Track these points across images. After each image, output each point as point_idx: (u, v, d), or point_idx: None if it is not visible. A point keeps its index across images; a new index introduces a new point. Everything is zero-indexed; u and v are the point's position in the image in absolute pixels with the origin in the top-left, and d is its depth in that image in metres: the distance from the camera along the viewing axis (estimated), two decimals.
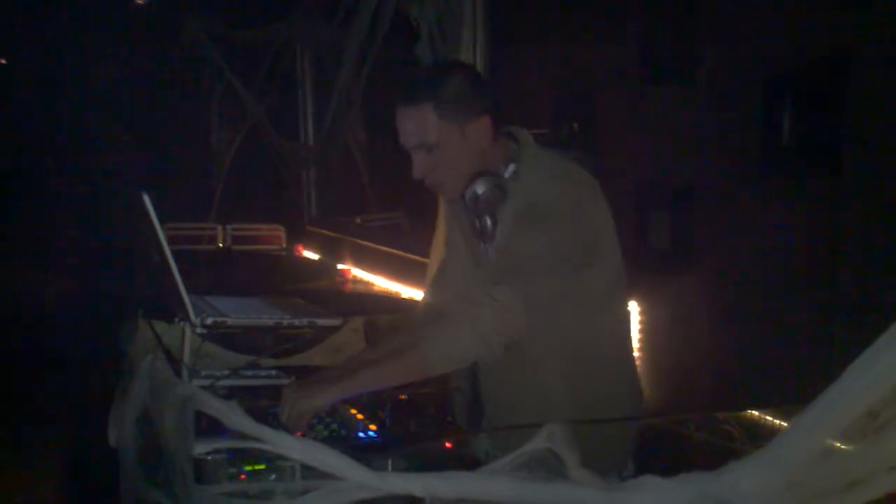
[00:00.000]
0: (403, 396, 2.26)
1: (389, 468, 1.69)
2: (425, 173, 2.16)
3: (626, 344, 2.36)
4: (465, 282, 2.37)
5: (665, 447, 2.24)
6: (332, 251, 8.28)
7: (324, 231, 8.73)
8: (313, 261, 8.90)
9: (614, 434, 2.18)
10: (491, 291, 2.02)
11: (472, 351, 2.02)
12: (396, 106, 2.13)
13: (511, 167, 2.19)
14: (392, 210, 8.32)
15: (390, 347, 2.10)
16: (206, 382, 2.14)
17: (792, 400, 1.34)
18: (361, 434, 1.92)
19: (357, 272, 7.47)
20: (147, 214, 1.97)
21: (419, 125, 2.10)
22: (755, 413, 2.12)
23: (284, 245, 9.66)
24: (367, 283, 7.22)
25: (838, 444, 1.21)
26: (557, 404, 2.16)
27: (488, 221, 2.18)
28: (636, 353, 4.32)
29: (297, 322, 2.19)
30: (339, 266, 7.81)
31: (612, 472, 2.09)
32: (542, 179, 2.15)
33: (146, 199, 1.94)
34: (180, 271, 2.05)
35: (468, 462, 1.75)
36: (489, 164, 2.17)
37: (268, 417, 1.97)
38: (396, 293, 6.51)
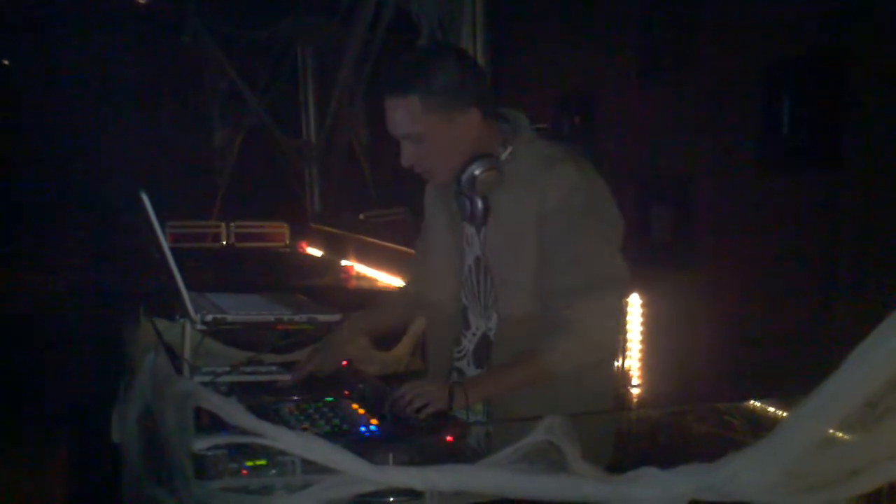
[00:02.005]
0: None
1: (390, 462, 1.69)
2: (413, 161, 2.18)
3: None
4: (446, 269, 2.41)
5: (665, 438, 2.23)
6: (336, 248, 8.29)
7: (327, 228, 8.74)
8: (317, 257, 8.91)
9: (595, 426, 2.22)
10: (586, 299, 2.08)
11: (589, 353, 2.15)
12: (384, 95, 2.12)
13: (508, 149, 2.21)
14: (395, 206, 8.31)
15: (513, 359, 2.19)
16: (207, 379, 2.14)
17: (792, 391, 1.33)
18: (363, 428, 1.92)
19: (360, 268, 7.48)
20: (146, 212, 1.97)
21: (406, 116, 2.10)
22: (756, 404, 2.11)
23: (288, 242, 9.67)
24: (370, 279, 7.22)
25: (838, 434, 1.21)
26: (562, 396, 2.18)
27: (480, 204, 2.19)
28: (639, 346, 4.34)
29: (296, 318, 2.20)
30: (343, 262, 7.82)
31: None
32: (564, 172, 2.16)
33: (144, 197, 1.94)
34: (182, 269, 2.05)
35: (469, 455, 1.74)
36: (484, 147, 2.18)
37: (268, 413, 1.98)
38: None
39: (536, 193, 2.13)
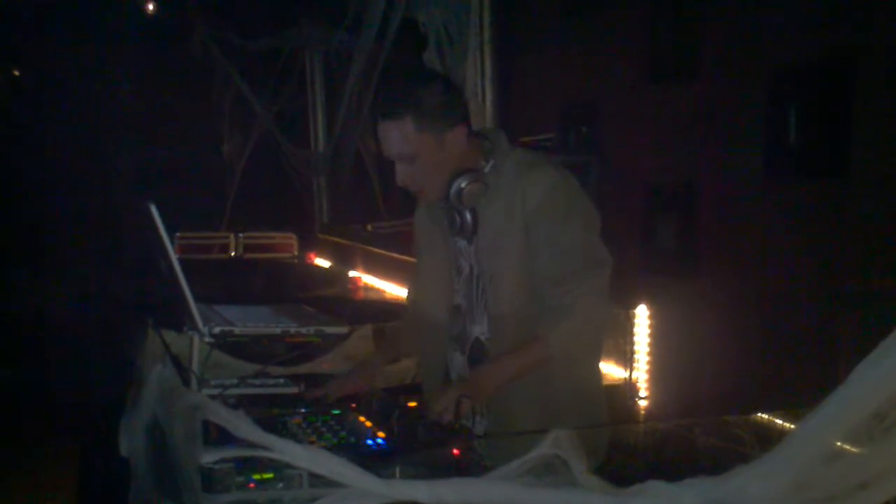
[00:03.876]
0: (413, 403, 2.26)
1: (397, 475, 1.69)
2: (407, 180, 2.30)
3: None
4: (439, 283, 2.52)
5: (672, 451, 2.24)
6: (344, 259, 8.30)
7: (335, 239, 8.75)
8: (325, 268, 8.92)
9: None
10: (581, 283, 2.20)
11: (589, 332, 2.30)
12: (377, 120, 2.24)
13: (490, 162, 2.33)
14: (402, 217, 8.33)
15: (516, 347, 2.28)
16: (215, 391, 2.14)
17: (799, 402, 1.33)
18: (370, 441, 1.92)
19: (368, 279, 7.48)
20: (154, 223, 1.97)
21: (399, 138, 2.22)
22: (764, 416, 2.11)
23: (296, 253, 9.68)
24: (378, 291, 7.23)
25: (846, 447, 1.20)
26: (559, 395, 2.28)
27: (468, 216, 2.32)
28: (646, 357, 4.32)
29: (304, 330, 2.20)
30: (351, 273, 7.83)
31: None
32: (541, 174, 2.28)
33: (153, 208, 1.95)
34: (190, 280, 2.06)
35: (475, 468, 1.74)
36: (469, 163, 2.31)
37: (276, 426, 1.98)
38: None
39: (518, 196, 2.26)
